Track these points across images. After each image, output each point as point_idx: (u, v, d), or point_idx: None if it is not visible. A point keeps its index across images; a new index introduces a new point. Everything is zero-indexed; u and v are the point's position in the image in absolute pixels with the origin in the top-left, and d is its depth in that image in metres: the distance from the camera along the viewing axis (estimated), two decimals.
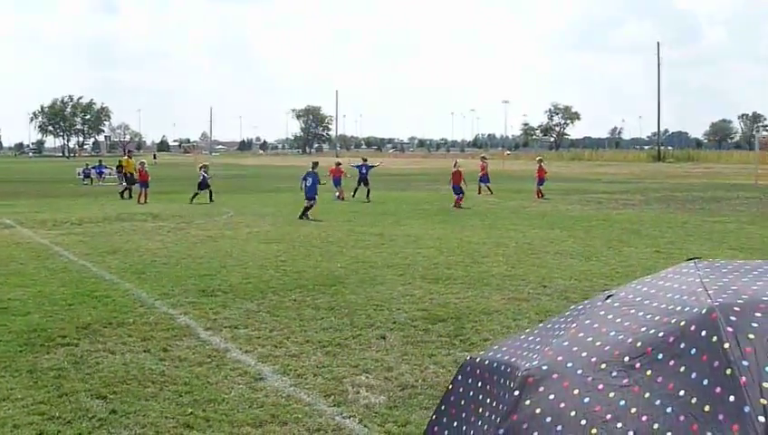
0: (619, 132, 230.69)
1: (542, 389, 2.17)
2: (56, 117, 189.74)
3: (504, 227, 19.52)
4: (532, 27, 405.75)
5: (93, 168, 49.20)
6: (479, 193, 31.88)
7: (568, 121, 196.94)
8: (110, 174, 47.61)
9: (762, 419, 1.74)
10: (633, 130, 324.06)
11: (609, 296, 2.53)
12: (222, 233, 18.11)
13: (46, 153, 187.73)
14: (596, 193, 34.18)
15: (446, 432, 2.63)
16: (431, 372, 6.98)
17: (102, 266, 13.00)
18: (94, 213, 23.94)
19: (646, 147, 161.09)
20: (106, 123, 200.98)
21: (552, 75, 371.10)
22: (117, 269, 12.71)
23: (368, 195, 29.53)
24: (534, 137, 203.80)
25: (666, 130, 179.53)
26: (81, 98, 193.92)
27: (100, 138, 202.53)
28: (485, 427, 2.34)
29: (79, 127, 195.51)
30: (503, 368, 2.44)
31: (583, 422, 2.01)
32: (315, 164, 24.14)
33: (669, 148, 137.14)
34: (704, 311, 2.06)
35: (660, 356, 2.04)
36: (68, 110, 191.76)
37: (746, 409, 1.77)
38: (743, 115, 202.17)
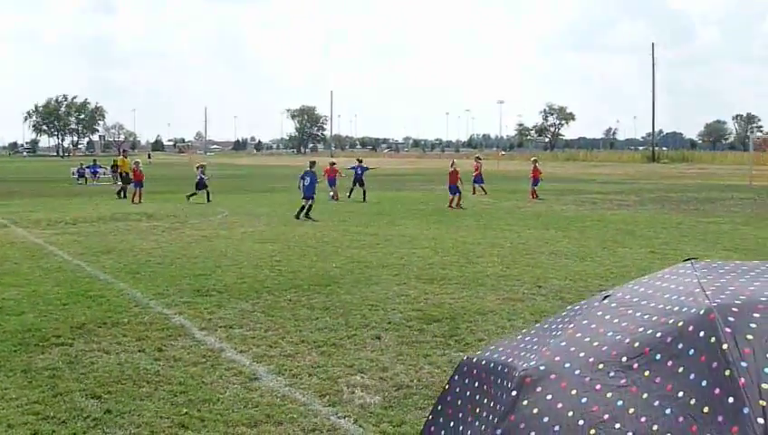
0: (614, 133, 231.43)
1: (539, 389, 2.16)
2: (50, 116, 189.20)
3: (499, 227, 19.54)
4: (527, 27, 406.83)
5: (88, 167, 49.18)
6: (473, 193, 31.93)
7: (563, 122, 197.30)
8: (104, 174, 47.60)
9: (761, 420, 1.74)
10: (628, 130, 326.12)
11: (606, 297, 2.52)
12: (217, 233, 18.09)
13: (40, 153, 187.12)
14: (591, 194, 34.23)
15: (442, 432, 2.62)
16: (426, 372, 6.98)
17: (97, 266, 12.97)
18: (89, 213, 23.90)
19: (640, 147, 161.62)
20: (100, 123, 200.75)
21: (546, 76, 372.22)
22: (111, 269, 12.68)
23: (364, 196, 29.55)
24: (529, 137, 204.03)
25: (660, 131, 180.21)
26: (75, 97, 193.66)
27: (95, 137, 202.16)
28: (483, 427, 2.33)
29: (73, 126, 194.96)
30: (500, 368, 2.43)
31: (581, 422, 2.00)
32: (313, 163, 24.24)
33: (664, 148, 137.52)
34: (702, 311, 2.05)
35: (658, 357, 2.04)
36: (62, 109, 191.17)
37: (745, 410, 1.77)
38: (737, 116, 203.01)
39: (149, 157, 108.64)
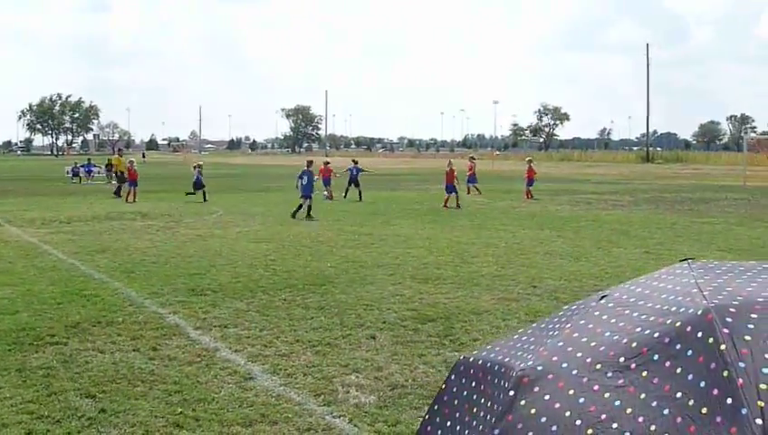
0: (608, 133, 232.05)
1: (537, 389, 2.16)
2: (45, 115, 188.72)
3: (494, 227, 19.54)
4: (521, 28, 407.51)
5: (82, 166, 49.00)
6: (468, 193, 31.94)
7: (557, 122, 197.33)
8: (98, 172, 47.46)
9: (759, 421, 1.74)
10: (622, 130, 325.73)
11: (603, 297, 2.52)
12: (211, 232, 18.06)
13: (34, 151, 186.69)
14: (585, 194, 34.27)
15: (439, 432, 2.62)
16: (421, 371, 6.98)
17: (91, 265, 12.94)
18: (83, 211, 23.85)
19: (635, 148, 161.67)
20: (95, 122, 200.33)
21: (541, 76, 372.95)
22: (106, 268, 12.66)
23: (360, 195, 29.60)
24: (524, 137, 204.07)
25: (654, 132, 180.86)
26: (69, 96, 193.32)
27: (89, 136, 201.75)
28: (480, 427, 2.33)
29: (67, 125, 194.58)
30: (497, 368, 2.43)
31: (578, 423, 2.00)
32: (310, 163, 24.44)
33: (658, 149, 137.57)
34: (699, 312, 2.05)
35: (656, 357, 2.04)
36: (56, 108, 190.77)
37: (744, 411, 1.77)
38: (731, 117, 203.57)
39: (144, 156, 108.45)
